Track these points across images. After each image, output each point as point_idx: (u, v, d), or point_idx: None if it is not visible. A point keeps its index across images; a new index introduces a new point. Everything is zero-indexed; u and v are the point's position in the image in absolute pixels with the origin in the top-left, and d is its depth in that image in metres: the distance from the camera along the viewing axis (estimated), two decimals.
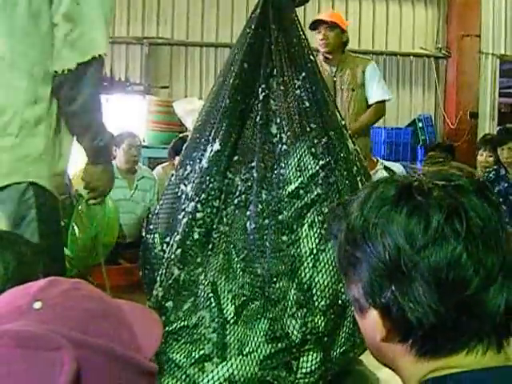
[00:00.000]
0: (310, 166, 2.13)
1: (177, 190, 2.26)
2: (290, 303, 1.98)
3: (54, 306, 0.65)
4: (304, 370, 1.97)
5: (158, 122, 6.22)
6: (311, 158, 2.13)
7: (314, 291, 1.99)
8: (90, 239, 3.13)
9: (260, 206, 2.08)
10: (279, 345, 1.96)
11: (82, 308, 0.67)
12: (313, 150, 2.13)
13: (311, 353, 1.98)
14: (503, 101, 9.31)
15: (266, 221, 2.06)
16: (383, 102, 4.28)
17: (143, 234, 2.40)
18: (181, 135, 5.09)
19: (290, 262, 2.01)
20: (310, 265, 2.01)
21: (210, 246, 2.12)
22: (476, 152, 4.97)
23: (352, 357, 2.11)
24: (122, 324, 0.71)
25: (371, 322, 0.79)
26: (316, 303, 1.98)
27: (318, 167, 2.13)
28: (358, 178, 2.23)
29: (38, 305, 0.64)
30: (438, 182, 0.78)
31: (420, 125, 7.02)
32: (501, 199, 4.12)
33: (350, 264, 0.80)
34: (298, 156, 2.13)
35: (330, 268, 2.01)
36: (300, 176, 2.11)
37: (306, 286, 1.99)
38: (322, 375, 2.01)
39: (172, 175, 2.35)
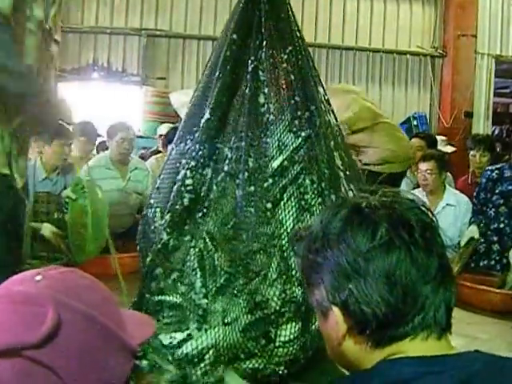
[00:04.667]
0: (291, 142, 2.17)
1: (177, 164, 2.30)
2: (270, 273, 2.01)
3: (51, 278, 0.76)
4: (283, 339, 2.00)
5: (154, 113, 6.25)
6: (293, 133, 2.18)
7: (292, 260, 2.02)
8: (81, 226, 3.16)
9: (247, 174, 2.12)
10: (259, 313, 1.99)
11: (74, 282, 0.78)
12: (296, 122, 2.17)
13: (290, 323, 2.01)
14: (499, 101, 9.36)
15: (252, 188, 2.10)
16: None
17: (143, 210, 2.42)
18: (173, 126, 5.09)
19: (273, 228, 2.04)
20: (289, 235, 2.04)
21: (200, 214, 2.16)
22: (468, 151, 4.99)
23: None
24: (110, 303, 0.80)
25: (332, 322, 0.90)
26: (293, 272, 2.02)
27: (299, 141, 2.17)
28: (337, 153, 2.27)
29: (38, 277, 0.76)
30: (386, 199, 0.92)
31: (415, 122, 7.06)
32: (502, 200, 4.09)
33: (313, 270, 0.92)
34: (281, 131, 2.17)
35: None
36: (283, 151, 2.15)
37: (285, 254, 2.03)
38: (301, 347, 2.03)
39: (172, 149, 2.38)
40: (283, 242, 2.04)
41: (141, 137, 5.69)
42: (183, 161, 2.25)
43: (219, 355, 2.01)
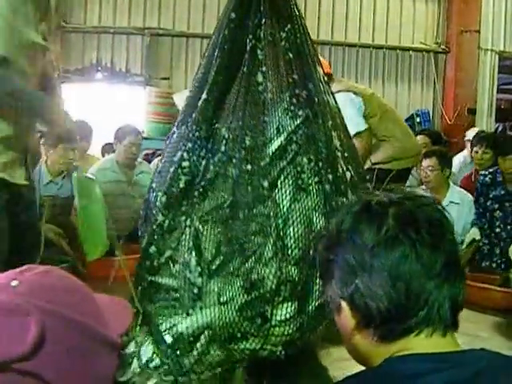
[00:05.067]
0: (290, 122, 2.15)
1: (177, 147, 2.28)
2: (266, 252, 2.00)
3: (27, 282, 0.76)
4: (279, 318, 1.99)
5: (158, 114, 6.25)
6: (291, 112, 2.16)
7: (288, 239, 2.02)
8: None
9: (243, 152, 2.10)
10: (255, 293, 1.99)
11: (50, 284, 0.78)
12: (294, 100, 2.16)
13: (286, 302, 2.00)
14: (503, 97, 9.32)
15: (249, 166, 2.08)
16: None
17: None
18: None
19: (270, 207, 2.04)
20: (285, 214, 2.04)
21: (196, 193, 2.15)
22: (471, 148, 4.98)
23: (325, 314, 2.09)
24: (88, 300, 0.81)
25: (343, 317, 0.94)
26: (290, 251, 2.01)
27: (297, 121, 2.15)
28: (335, 134, 2.26)
29: (14, 283, 0.75)
30: (396, 196, 0.95)
31: (418, 119, 7.04)
32: (497, 205, 4.06)
33: (326, 267, 0.97)
34: (279, 110, 2.16)
35: (304, 219, 2.04)
36: (282, 132, 2.14)
37: (281, 234, 2.02)
38: (298, 328, 2.03)
39: (173, 133, 2.36)
40: (279, 221, 2.03)
41: (145, 138, 5.69)
42: (181, 143, 2.24)
43: (215, 335, 2.00)
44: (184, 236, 2.11)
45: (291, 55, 2.19)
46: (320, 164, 2.14)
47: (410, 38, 7.42)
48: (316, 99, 2.21)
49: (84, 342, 0.75)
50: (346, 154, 2.30)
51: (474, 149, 4.76)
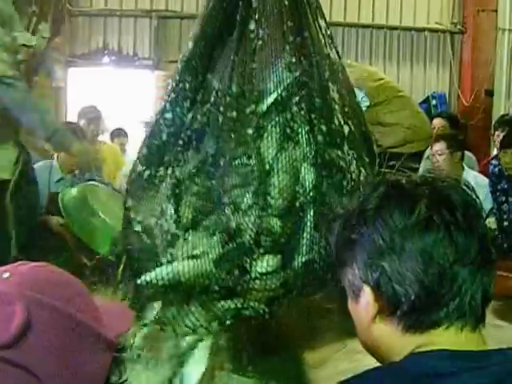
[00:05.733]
0: (281, 70, 2.11)
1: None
2: (245, 201, 1.96)
3: (20, 274, 0.76)
4: (259, 270, 1.94)
5: None
6: (283, 59, 2.12)
7: (272, 189, 1.97)
8: None
9: (229, 99, 2.06)
10: (233, 243, 1.95)
11: (44, 277, 0.77)
12: (287, 47, 2.11)
13: (267, 256, 1.96)
14: None
15: (234, 113, 2.04)
16: None
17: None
18: None
19: (253, 156, 1.99)
20: (270, 163, 1.99)
21: (181, 142, 2.12)
22: (491, 132, 4.85)
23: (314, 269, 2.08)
24: (83, 296, 0.79)
25: (364, 303, 0.87)
26: (273, 201, 1.96)
27: (290, 69, 2.11)
28: (334, 87, 2.22)
29: (6, 275, 0.75)
30: (427, 176, 0.91)
31: (434, 102, 6.88)
32: (504, 198, 3.90)
33: (347, 247, 0.90)
34: (271, 57, 2.12)
35: (290, 169, 1.99)
36: (272, 80, 2.10)
37: (264, 183, 1.98)
38: (283, 284, 1.98)
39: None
40: (262, 170, 1.98)
41: None
42: (165, 95, 2.22)
43: (191, 285, 1.97)
44: (164, 185, 2.09)
45: (286, 2, 2.15)
46: (312, 113, 2.10)
47: (425, 18, 7.24)
48: (312, 49, 2.17)
49: (75, 337, 0.73)
50: (346, 109, 2.26)
51: (497, 133, 4.63)
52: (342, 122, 2.20)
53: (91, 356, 0.74)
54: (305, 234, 1.99)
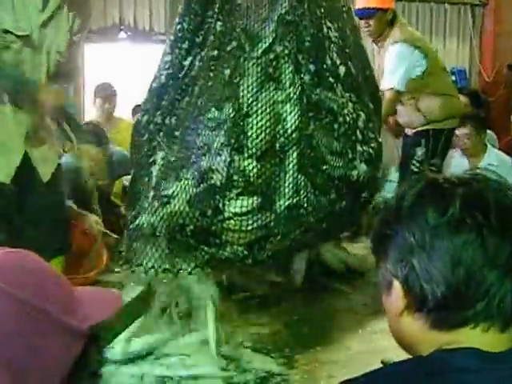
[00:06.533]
0: (267, 6, 2.10)
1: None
2: (218, 139, 1.95)
3: None
4: (233, 210, 1.93)
5: None
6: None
7: (248, 129, 1.95)
8: None
9: (212, 38, 2.08)
10: (204, 184, 1.96)
11: (13, 264, 0.76)
12: None
13: (242, 196, 1.96)
14: None
15: (215, 52, 2.06)
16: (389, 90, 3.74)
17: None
18: None
19: (229, 95, 1.97)
20: (247, 103, 1.97)
21: (179, 90, 2.15)
22: None
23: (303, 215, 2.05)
24: (56, 284, 0.78)
25: (394, 296, 0.90)
26: (250, 142, 1.94)
27: (281, 10, 2.07)
28: (332, 26, 2.18)
29: None
30: (465, 176, 0.91)
31: (454, 78, 6.74)
32: None
33: (381, 242, 0.93)
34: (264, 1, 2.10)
35: (269, 110, 1.96)
36: (257, 18, 2.08)
37: (239, 123, 1.96)
38: (262, 226, 1.96)
39: None
40: (238, 109, 1.95)
41: None
42: (166, 40, 2.26)
43: (168, 225, 2.01)
44: (157, 131, 2.15)
45: None
46: (300, 53, 2.05)
47: None
48: None
49: (40, 326, 0.73)
50: (346, 50, 2.22)
51: None
52: (338, 63, 2.16)
53: (58, 346, 0.74)
54: (287, 177, 1.96)
